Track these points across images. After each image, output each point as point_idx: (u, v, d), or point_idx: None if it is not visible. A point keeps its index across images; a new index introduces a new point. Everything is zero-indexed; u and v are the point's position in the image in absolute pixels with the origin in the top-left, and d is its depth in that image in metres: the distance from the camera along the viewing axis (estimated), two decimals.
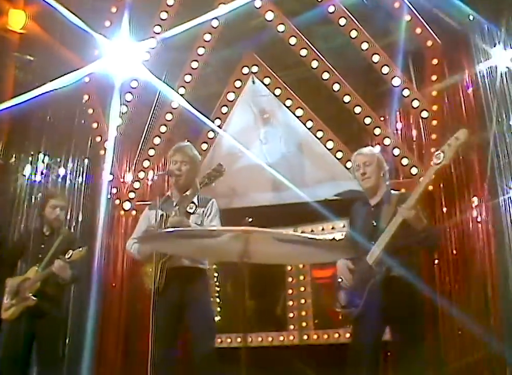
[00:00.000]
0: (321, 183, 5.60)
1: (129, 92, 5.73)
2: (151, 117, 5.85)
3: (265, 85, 5.56)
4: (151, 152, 5.76)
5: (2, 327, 4.28)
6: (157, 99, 5.78)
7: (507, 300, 4.51)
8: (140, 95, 5.72)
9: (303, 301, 5.35)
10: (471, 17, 5.12)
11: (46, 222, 4.40)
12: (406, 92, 5.36)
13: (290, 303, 5.40)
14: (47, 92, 5.16)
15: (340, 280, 3.45)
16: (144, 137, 5.85)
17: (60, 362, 4.47)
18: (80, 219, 5.63)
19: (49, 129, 5.68)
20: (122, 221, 5.71)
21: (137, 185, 5.79)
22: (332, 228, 5.38)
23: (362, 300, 3.27)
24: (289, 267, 5.38)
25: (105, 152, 5.70)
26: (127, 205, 5.75)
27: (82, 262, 4.35)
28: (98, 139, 5.82)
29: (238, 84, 5.63)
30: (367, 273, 3.29)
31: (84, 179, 5.81)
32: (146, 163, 5.77)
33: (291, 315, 5.37)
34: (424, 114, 5.35)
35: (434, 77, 5.35)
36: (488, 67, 4.99)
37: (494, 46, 4.97)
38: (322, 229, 5.42)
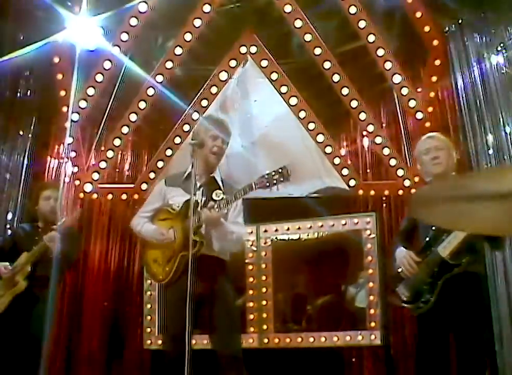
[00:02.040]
0: None
1: (101, 73, 5.09)
2: (116, 90, 5.21)
3: (262, 67, 5.13)
4: (125, 129, 5.19)
5: None
6: (123, 73, 5.14)
7: None
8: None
9: (264, 302, 5.04)
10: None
11: (41, 216, 4.12)
12: (404, 91, 5.18)
13: (251, 304, 5.06)
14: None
15: (399, 270, 3.21)
16: (108, 111, 5.24)
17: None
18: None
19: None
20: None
21: (103, 164, 5.23)
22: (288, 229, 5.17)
23: (433, 295, 3.08)
24: (250, 267, 5.09)
25: (71, 124, 5.03)
26: (88, 187, 5.21)
27: (72, 239, 4.06)
28: (65, 109, 5.11)
29: (232, 63, 5.15)
30: (439, 266, 3.09)
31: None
32: (117, 142, 5.22)
33: (251, 317, 5.03)
34: (419, 115, 5.22)
35: (434, 78, 5.19)
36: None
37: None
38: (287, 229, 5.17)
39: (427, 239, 3.18)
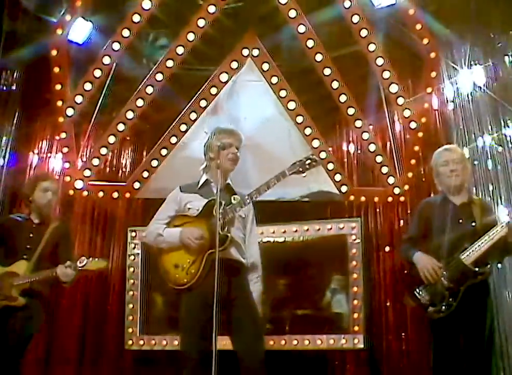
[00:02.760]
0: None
1: (99, 68, 5.01)
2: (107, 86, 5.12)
3: (263, 70, 5.15)
4: (121, 127, 5.09)
5: None
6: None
7: None
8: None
9: None
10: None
11: (35, 209, 3.84)
12: (400, 101, 5.28)
13: None
14: None
15: (424, 275, 3.30)
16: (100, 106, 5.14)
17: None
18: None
19: None
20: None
21: (96, 161, 5.13)
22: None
23: (456, 301, 3.20)
24: None
25: (64, 119, 4.91)
26: (79, 184, 5.10)
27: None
28: (60, 103, 4.99)
29: (234, 65, 5.14)
30: (462, 273, 3.21)
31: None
32: (112, 139, 5.14)
33: None
34: (413, 125, 5.33)
35: (429, 89, 5.30)
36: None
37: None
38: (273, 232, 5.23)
39: (447, 245, 3.28)
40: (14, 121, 5.10)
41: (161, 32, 5.10)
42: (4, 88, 5.13)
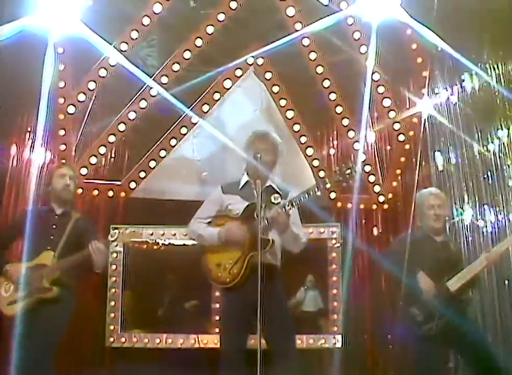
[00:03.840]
0: None
1: (104, 68, 5.04)
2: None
3: (266, 79, 5.32)
4: (122, 127, 5.10)
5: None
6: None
7: None
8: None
9: None
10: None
11: (54, 197, 3.82)
12: (391, 114, 5.54)
13: (217, 306, 5.12)
14: None
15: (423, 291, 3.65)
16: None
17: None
18: None
19: None
20: None
21: (93, 160, 5.13)
22: None
23: (445, 320, 3.57)
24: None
25: (65, 116, 4.87)
26: None
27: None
28: (61, 100, 4.94)
29: (238, 72, 5.27)
30: (447, 298, 3.60)
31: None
32: (112, 138, 5.13)
33: (217, 318, 5.09)
34: (401, 137, 5.61)
35: (419, 103, 5.57)
36: None
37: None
38: None
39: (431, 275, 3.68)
40: None
41: (168, 36, 5.10)
42: None
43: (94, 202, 5.20)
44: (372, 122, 5.59)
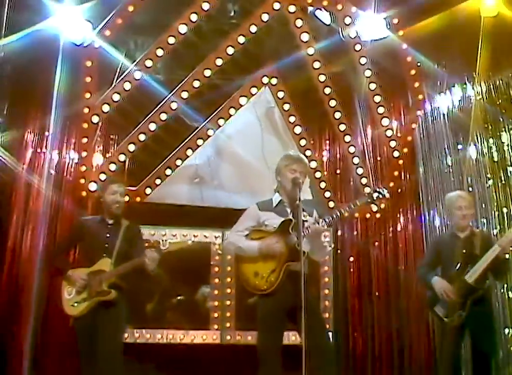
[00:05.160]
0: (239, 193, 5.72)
1: (129, 81, 5.33)
2: None
3: (278, 98, 5.72)
4: (142, 137, 5.41)
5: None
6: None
7: None
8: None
9: (228, 302, 5.57)
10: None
11: (106, 209, 4.16)
12: (388, 133, 6.00)
13: (215, 303, 5.58)
14: None
15: (440, 295, 4.09)
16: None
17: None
18: None
19: None
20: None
21: (113, 167, 5.42)
22: None
23: (465, 311, 4.02)
24: (216, 269, 5.64)
25: (89, 125, 5.16)
26: (93, 186, 5.33)
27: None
28: (86, 110, 5.23)
29: (253, 90, 5.65)
30: (468, 289, 4.04)
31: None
32: (132, 147, 5.44)
33: (215, 315, 5.57)
34: (396, 154, 6.07)
35: (413, 126, 6.06)
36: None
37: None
38: None
39: (456, 269, 4.13)
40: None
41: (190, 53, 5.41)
42: None
43: None
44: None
